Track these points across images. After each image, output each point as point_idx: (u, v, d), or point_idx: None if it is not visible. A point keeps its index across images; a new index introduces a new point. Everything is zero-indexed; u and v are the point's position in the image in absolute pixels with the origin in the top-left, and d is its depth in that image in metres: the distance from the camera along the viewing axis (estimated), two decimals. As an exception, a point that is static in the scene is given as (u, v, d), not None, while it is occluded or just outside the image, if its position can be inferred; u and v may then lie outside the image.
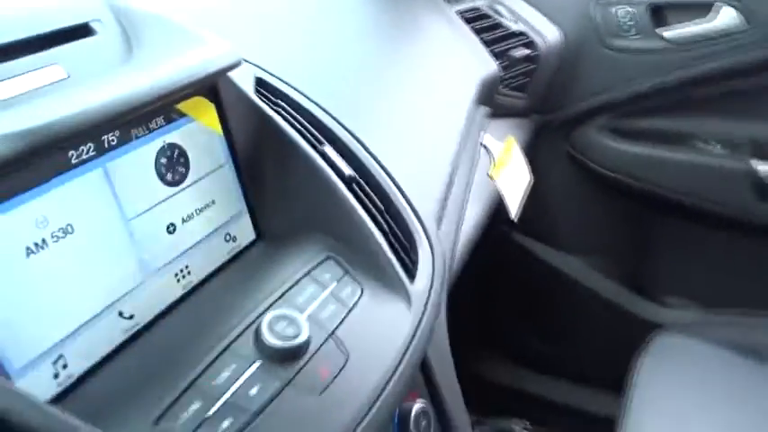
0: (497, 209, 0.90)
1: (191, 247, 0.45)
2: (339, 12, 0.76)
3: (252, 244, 0.49)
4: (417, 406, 0.50)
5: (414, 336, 0.44)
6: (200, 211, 0.46)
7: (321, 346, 0.40)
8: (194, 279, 0.45)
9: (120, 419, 0.33)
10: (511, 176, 0.92)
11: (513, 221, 1.01)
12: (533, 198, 0.99)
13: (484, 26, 0.92)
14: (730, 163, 0.98)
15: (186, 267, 0.45)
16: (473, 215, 0.79)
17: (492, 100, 0.91)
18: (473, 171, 0.79)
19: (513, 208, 0.91)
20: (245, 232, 0.50)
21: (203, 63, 0.42)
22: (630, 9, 0.98)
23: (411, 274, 0.48)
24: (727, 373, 0.88)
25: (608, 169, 1.07)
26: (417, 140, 0.68)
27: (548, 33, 0.99)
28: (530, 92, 0.99)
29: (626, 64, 1.01)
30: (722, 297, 1.07)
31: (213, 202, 0.47)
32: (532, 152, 1.01)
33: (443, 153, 0.70)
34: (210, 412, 0.35)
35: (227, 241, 0.48)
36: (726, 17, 0.93)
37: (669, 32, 0.97)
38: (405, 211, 0.51)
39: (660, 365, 0.89)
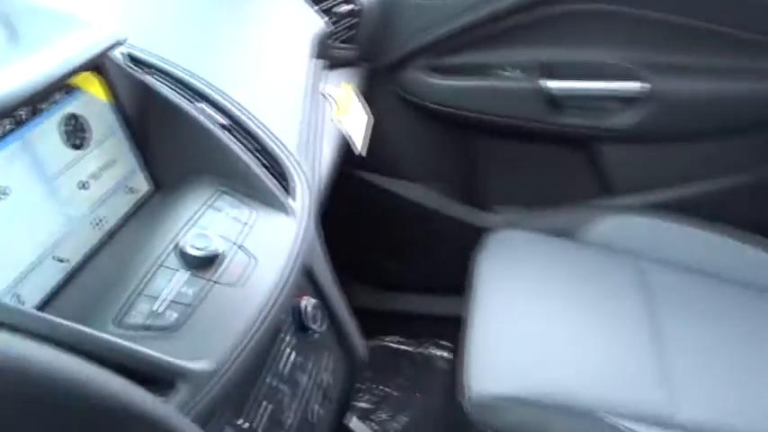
0: (345, 150, 1.03)
1: (101, 200, 0.54)
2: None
3: (153, 194, 0.59)
4: (309, 302, 0.63)
5: (300, 238, 0.56)
6: (104, 169, 0.55)
7: (233, 254, 0.51)
8: (109, 225, 0.54)
9: (87, 324, 0.43)
10: (352, 118, 1.05)
11: (359, 161, 1.15)
12: (374, 137, 1.14)
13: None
14: (525, 84, 1.19)
15: (102, 217, 0.54)
16: (327, 154, 0.91)
17: (326, 53, 1.04)
18: (320, 116, 0.92)
19: (358, 145, 1.05)
20: (143, 184, 0.59)
21: (92, 44, 0.50)
22: (431, -38, 1.14)
23: (290, 195, 0.60)
24: (548, 253, 1.10)
25: (432, 102, 1.24)
26: (270, 93, 0.79)
27: (365, -10, 1.12)
28: (357, 43, 1.13)
29: (433, 10, 1.17)
30: (538, 197, 1.29)
31: (114, 161, 0.56)
32: (368, 96, 1.15)
33: (293, 102, 0.82)
34: (158, 309, 0.45)
35: (130, 193, 0.57)
36: (506, -37, 1.12)
37: (464, -20, 1.15)
38: (276, 148, 0.63)
39: (494, 258, 1.09)
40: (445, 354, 1.46)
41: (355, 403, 1.37)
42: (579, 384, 0.85)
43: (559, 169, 1.30)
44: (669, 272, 1.06)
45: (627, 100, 1.17)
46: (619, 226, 1.13)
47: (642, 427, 0.80)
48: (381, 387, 1.44)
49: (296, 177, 0.61)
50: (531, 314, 0.96)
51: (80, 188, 0.52)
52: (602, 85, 1.17)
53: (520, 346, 0.91)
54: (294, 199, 0.59)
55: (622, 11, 1.14)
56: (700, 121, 1.15)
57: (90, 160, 0.53)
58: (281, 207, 0.58)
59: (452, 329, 1.08)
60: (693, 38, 1.13)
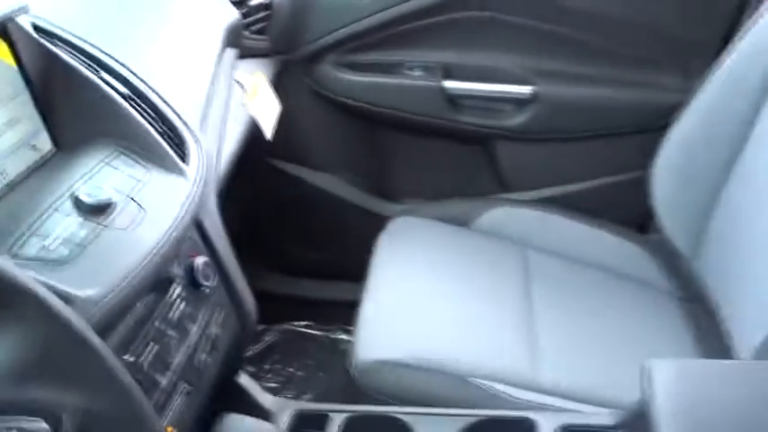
0: (258, 139, 1.10)
1: (4, 154, 0.59)
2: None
3: (54, 153, 0.64)
4: (201, 260, 0.69)
5: (191, 196, 0.62)
6: (9, 127, 0.59)
7: (124, 204, 0.57)
8: (10, 177, 0.59)
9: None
10: (262, 105, 1.12)
11: (271, 149, 1.22)
12: (286, 127, 1.20)
13: (224, -19, 1.10)
14: (428, 83, 1.29)
15: (3, 170, 0.58)
16: (235, 134, 0.97)
17: (239, 43, 1.10)
18: (229, 100, 0.98)
19: (267, 130, 1.12)
20: (45, 144, 0.64)
21: (-2, 8, 0.55)
22: (344, -36, 1.23)
23: (184, 160, 0.66)
24: (441, 238, 1.19)
25: (342, 96, 1.32)
26: (177, 74, 0.84)
27: (278, -16, 1.19)
28: (269, 35, 1.20)
29: (343, 9, 1.25)
30: (439, 189, 1.39)
31: (18, 120, 0.60)
32: (281, 87, 1.22)
33: (200, 83, 0.88)
34: (50, 245, 0.51)
35: (33, 150, 0.62)
36: (412, -30, 1.22)
37: (373, -18, 1.24)
38: (173, 117, 0.69)
39: (392, 242, 1.17)
40: (349, 337, 1.53)
41: (263, 383, 1.42)
42: (455, 351, 0.94)
43: (459, 164, 1.40)
44: (548, 259, 1.17)
45: (517, 102, 1.28)
46: (507, 216, 1.23)
47: (508, 389, 0.89)
48: (288, 368, 1.50)
49: (192, 145, 0.68)
50: (419, 292, 1.05)
51: (-11, 144, 0.57)
52: (496, 87, 1.28)
53: (405, 319, 0.99)
54: (188, 164, 0.65)
55: (516, 20, 1.25)
56: (580, 123, 1.28)
57: (-5, 118, 0.58)
58: (175, 169, 0.64)
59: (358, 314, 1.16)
60: (577, 49, 1.25)
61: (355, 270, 1.22)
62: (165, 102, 0.70)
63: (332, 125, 1.39)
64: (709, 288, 1.01)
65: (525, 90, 1.27)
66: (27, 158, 0.61)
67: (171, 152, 0.65)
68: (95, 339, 0.45)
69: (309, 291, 1.57)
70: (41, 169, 0.61)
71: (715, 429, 0.59)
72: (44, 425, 0.32)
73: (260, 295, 0.85)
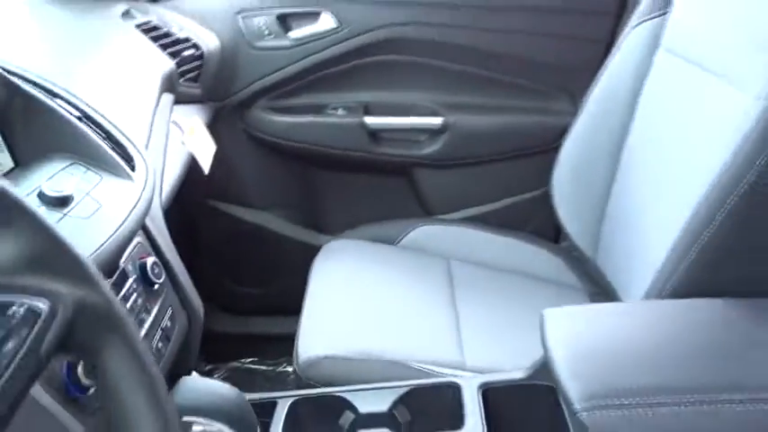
0: (196, 182, 1.20)
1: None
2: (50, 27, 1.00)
3: (13, 169, 0.73)
4: (151, 260, 0.78)
5: (140, 198, 0.72)
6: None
7: (82, 198, 0.66)
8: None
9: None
10: (199, 143, 1.22)
11: (210, 191, 1.32)
12: (222, 169, 1.31)
13: (159, 34, 1.22)
14: (351, 121, 1.43)
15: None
16: (174, 166, 1.07)
17: (174, 89, 1.21)
18: (167, 135, 1.08)
19: (205, 166, 1.22)
20: (7, 161, 0.73)
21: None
22: (265, 19, 1.37)
23: (133, 170, 0.76)
24: (372, 255, 1.29)
25: (274, 137, 1.44)
26: (122, 107, 0.95)
27: (208, 39, 1.32)
28: (202, 83, 1.32)
29: (268, 59, 1.39)
30: (368, 217, 1.50)
31: (-20, 142, 0.69)
32: (215, 131, 1.33)
33: (143, 116, 0.98)
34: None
35: (-6, 167, 0.71)
36: (327, 21, 1.37)
37: (293, 33, 1.39)
38: (121, 137, 0.79)
39: (327, 261, 1.27)
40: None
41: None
42: (391, 344, 1.03)
43: (384, 193, 1.53)
44: (470, 267, 1.29)
45: (431, 132, 1.44)
46: (431, 233, 1.36)
47: (441, 369, 0.99)
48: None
49: (139, 158, 0.77)
50: (355, 298, 1.15)
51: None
52: (411, 120, 1.43)
53: (344, 320, 1.09)
54: (135, 172, 0.75)
55: (424, 61, 1.42)
56: (487, 148, 1.44)
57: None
58: (125, 176, 0.74)
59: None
60: (479, 83, 1.42)
61: (296, 303, 1.30)
62: (113, 124, 0.80)
63: (265, 165, 1.50)
64: (610, 279, 1.14)
65: (436, 121, 1.42)
66: (-10, 173, 0.70)
67: (121, 162, 0.75)
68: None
69: (254, 327, 1.63)
70: (5, 178, 0.70)
71: (605, 363, 0.70)
72: (48, 303, 0.40)
73: (205, 335, 0.91)
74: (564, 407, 0.70)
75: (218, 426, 0.63)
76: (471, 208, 1.51)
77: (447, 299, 1.18)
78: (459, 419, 0.80)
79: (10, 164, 0.73)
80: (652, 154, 1.04)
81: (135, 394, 0.42)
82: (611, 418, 0.63)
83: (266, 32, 1.38)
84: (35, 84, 0.77)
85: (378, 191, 1.53)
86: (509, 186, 1.50)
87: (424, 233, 1.36)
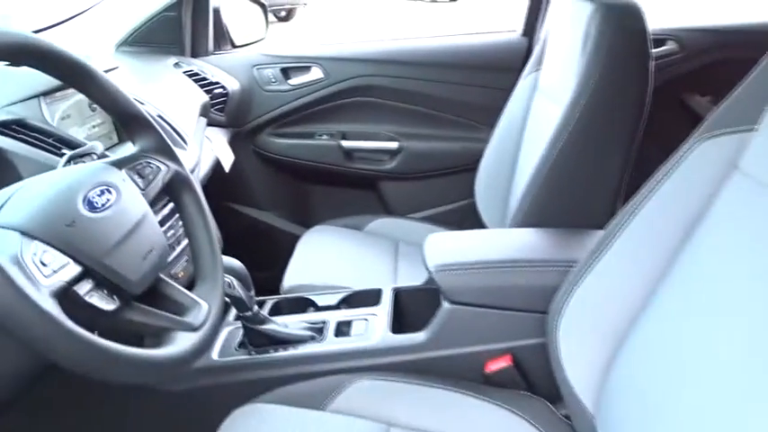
0: (217, 190, 1.72)
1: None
2: (131, 70, 1.56)
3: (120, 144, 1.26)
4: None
5: (193, 157, 1.25)
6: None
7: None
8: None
9: None
10: (222, 151, 1.77)
11: (228, 196, 1.85)
12: (237, 178, 1.85)
13: (198, 78, 1.78)
14: (332, 144, 1.98)
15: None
16: (206, 161, 1.61)
17: (207, 115, 1.76)
18: (202, 142, 1.62)
19: (226, 167, 1.76)
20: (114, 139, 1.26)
21: None
22: (272, 71, 1.95)
23: (187, 144, 1.29)
24: (342, 234, 1.80)
25: (276, 155, 2.00)
26: (177, 120, 1.48)
27: (231, 83, 1.89)
28: (226, 114, 1.87)
29: (273, 98, 1.96)
30: (342, 214, 2.01)
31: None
32: (234, 149, 1.87)
33: (189, 127, 1.52)
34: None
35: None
36: (316, 72, 1.95)
37: (292, 81, 1.96)
38: (181, 130, 1.33)
39: (310, 237, 1.78)
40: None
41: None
42: (344, 278, 1.53)
43: (356, 198, 2.06)
44: (413, 248, 1.79)
45: (390, 153, 1.98)
46: (388, 224, 1.87)
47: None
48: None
49: (191, 140, 1.31)
50: (323, 256, 1.65)
51: None
52: (376, 144, 1.98)
53: (312, 267, 1.59)
54: (189, 146, 1.28)
55: (386, 102, 1.97)
56: (430, 165, 1.98)
57: None
58: (183, 148, 1.27)
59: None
60: (424, 118, 1.97)
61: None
62: (174, 123, 1.34)
63: (270, 176, 2.05)
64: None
65: (394, 145, 1.97)
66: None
67: (180, 141, 1.28)
68: None
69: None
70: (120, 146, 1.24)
71: (452, 252, 1.16)
72: (163, 166, 0.92)
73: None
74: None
75: (231, 278, 1.12)
76: (420, 212, 2.03)
77: (391, 263, 1.68)
78: (378, 302, 1.29)
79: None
80: (529, 153, 1.54)
81: (200, 223, 0.93)
82: (451, 275, 1.12)
83: (273, 80, 1.95)
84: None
85: (351, 196, 2.07)
86: (448, 195, 2.02)
87: (383, 224, 1.86)
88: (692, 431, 0.69)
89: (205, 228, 0.91)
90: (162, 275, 0.82)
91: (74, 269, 0.66)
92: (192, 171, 1.28)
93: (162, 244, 0.81)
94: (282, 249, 1.98)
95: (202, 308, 0.82)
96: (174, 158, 0.93)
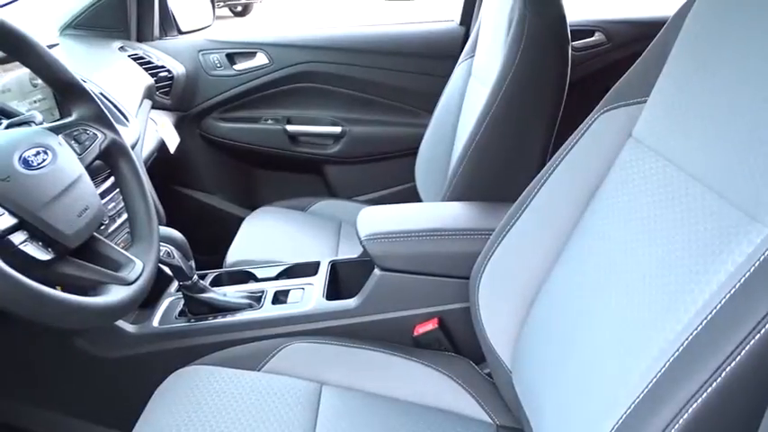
0: (165, 174, 1.75)
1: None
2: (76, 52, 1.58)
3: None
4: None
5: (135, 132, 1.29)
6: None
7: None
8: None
9: None
10: (167, 133, 1.80)
11: (175, 179, 1.88)
12: (184, 162, 1.88)
13: (143, 62, 1.81)
14: (277, 128, 2.03)
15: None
16: (151, 141, 1.64)
17: (153, 97, 1.79)
18: (146, 122, 1.65)
19: (171, 148, 1.79)
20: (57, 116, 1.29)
21: None
22: (218, 56, 1.98)
23: (128, 121, 1.33)
24: (286, 215, 1.85)
25: (222, 138, 2.03)
26: (119, 99, 1.52)
27: (177, 67, 1.92)
28: (171, 97, 1.90)
29: (219, 83, 1.99)
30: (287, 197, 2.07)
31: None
32: (180, 133, 1.90)
33: (131, 106, 1.55)
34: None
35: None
36: (261, 58, 1.99)
37: (237, 66, 2.00)
38: (122, 107, 1.36)
39: (255, 217, 1.83)
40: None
41: None
42: (282, 251, 1.58)
43: (301, 182, 2.11)
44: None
45: (334, 137, 2.04)
46: (330, 205, 1.93)
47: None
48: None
49: (132, 118, 1.34)
50: (265, 232, 1.70)
51: None
52: (319, 128, 2.04)
53: (251, 243, 1.64)
54: (130, 123, 1.32)
55: (329, 88, 2.03)
56: (372, 149, 2.05)
57: None
58: (125, 125, 1.30)
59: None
60: (367, 104, 2.04)
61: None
62: (117, 101, 1.37)
63: (215, 160, 2.09)
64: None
65: (337, 130, 2.03)
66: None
67: (122, 117, 1.32)
68: None
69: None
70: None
71: (382, 222, 1.23)
72: (99, 134, 0.96)
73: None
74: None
75: (170, 247, 1.17)
76: (364, 195, 2.10)
77: (333, 241, 1.74)
78: (315, 273, 1.35)
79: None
80: (463, 135, 1.60)
81: (135, 189, 0.98)
82: (381, 243, 1.19)
83: (218, 65, 1.99)
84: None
85: (296, 180, 2.12)
86: (390, 178, 2.09)
87: (327, 205, 1.92)
88: (583, 374, 0.75)
89: (141, 193, 0.95)
90: (98, 236, 0.87)
91: (8, 220, 0.71)
92: (134, 147, 1.32)
93: (97, 205, 0.86)
94: (228, 232, 2.02)
95: (137, 265, 0.87)
96: (111, 127, 0.97)
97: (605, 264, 0.80)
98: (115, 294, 0.79)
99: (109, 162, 0.97)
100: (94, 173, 1.10)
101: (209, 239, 2.07)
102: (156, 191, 1.67)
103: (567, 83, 1.30)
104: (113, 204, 1.21)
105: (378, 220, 1.27)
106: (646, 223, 0.75)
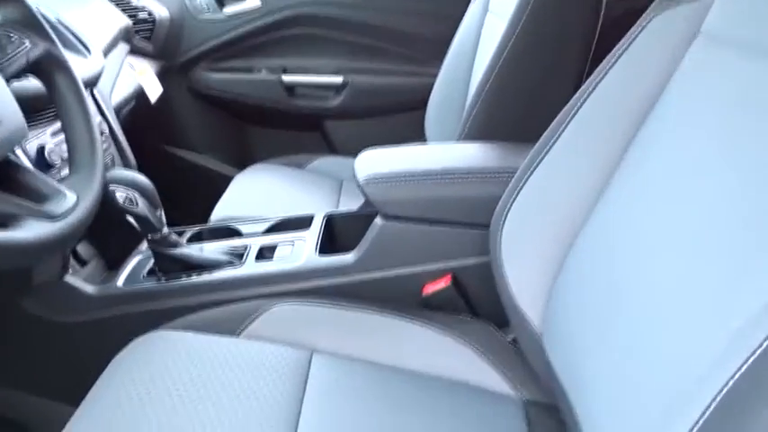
0: (151, 133, 1.56)
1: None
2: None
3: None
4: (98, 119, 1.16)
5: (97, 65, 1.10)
6: None
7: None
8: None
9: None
10: (147, 81, 1.61)
11: (162, 137, 1.69)
12: (171, 118, 1.70)
13: (120, 2, 1.62)
14: (272, 78, 1.83)
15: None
16: (126, 86, 1.46)
17: (130, 41, 1.61)
18: (119, 71, 1.47)
19: (152, 98, 1.61)
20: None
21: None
22: (205, -2, 1.80)
23: (90, 53, 1.14)
24: (280, 171, 1.67)
25: (212, 90, 1.84)
26: (88, 33, 1.33)
27: (160, 10, 1.73)
28: (153, 43, 1.72)
29: (207, 29, 1.80)
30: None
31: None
32: (168, 86, 1.72)
33: (96, 48, 1.37)
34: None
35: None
36: (253, 1, 1.80)
37: (227, 9, 1.81)
38: (86, 40, 1.17)
39: (245, 175, 1.65)
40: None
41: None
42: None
43: (300, 139, 1.93)
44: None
45: (335, 88, 1.85)
46: (331, 162, 1.74)
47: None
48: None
49: (95, 50, 1.16)
50: (254, 192, 1.52)
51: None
52: (318, 78, 1.84)
53: (238, 201, 1.46)
54: (92, 54, 1.13)
55: (329, 34, 1.84)
56: (377, 102, 1.85)
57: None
58: (86, 56, 1.12)
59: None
60: (370, 51, 1.84)
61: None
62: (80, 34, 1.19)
63: (205, 115, 1.90)
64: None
65: (338, 79, 1.84)
66: None
67: (83, 50, 1.14)
68: None
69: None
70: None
71: (383, 164, 1.04)
72: (32, 42, 0.77)
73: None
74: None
75: (133, 193, 0.99)
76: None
77: (333, 199, 1.55)
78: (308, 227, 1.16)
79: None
80: (478, 69, 1.41)
81: (75, 108, 0.80)
82: (383, 187, 1.00)
83: (206, 8, 1.80)
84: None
85: (294, 137, 1.93)
86: (398, 135, 1.89)
87: (327, 162, 1.74)
88: (639, 339, 0.59)
89: (82, 113, 0.78)
90: (18, 160, 0.69)
91: None
92: (94, 83, 1.13)
93: (16, 121, 0.68)
94: (220, 194, 1.85)
95: (67, 198, 0.69)
96: (46, 37, 0.80)
97: (668, 198, 0.62)
98: (30, 229, 0.61)
99: (42, 76, 0.81)
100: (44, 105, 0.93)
101: (198, 202, 1.90)
102: (141, 150, 1.49)
103: (600, 15, 1.10)
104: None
105: (380, 161, 1.08)
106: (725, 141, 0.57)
